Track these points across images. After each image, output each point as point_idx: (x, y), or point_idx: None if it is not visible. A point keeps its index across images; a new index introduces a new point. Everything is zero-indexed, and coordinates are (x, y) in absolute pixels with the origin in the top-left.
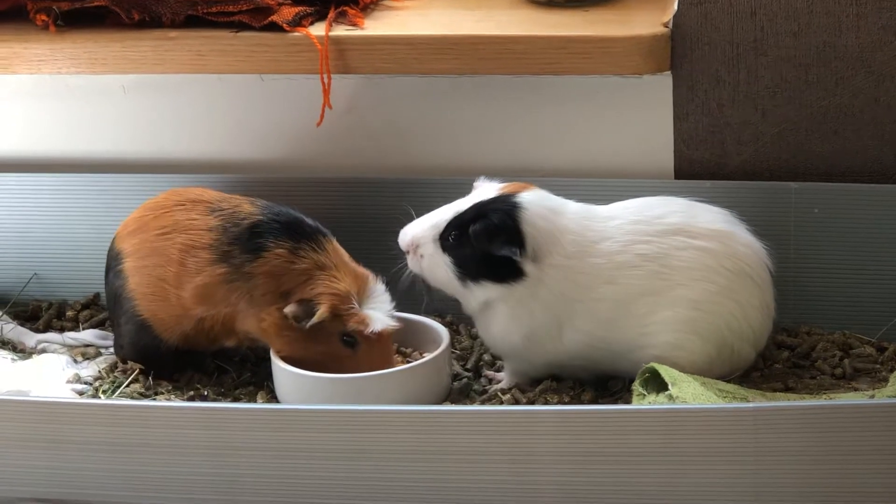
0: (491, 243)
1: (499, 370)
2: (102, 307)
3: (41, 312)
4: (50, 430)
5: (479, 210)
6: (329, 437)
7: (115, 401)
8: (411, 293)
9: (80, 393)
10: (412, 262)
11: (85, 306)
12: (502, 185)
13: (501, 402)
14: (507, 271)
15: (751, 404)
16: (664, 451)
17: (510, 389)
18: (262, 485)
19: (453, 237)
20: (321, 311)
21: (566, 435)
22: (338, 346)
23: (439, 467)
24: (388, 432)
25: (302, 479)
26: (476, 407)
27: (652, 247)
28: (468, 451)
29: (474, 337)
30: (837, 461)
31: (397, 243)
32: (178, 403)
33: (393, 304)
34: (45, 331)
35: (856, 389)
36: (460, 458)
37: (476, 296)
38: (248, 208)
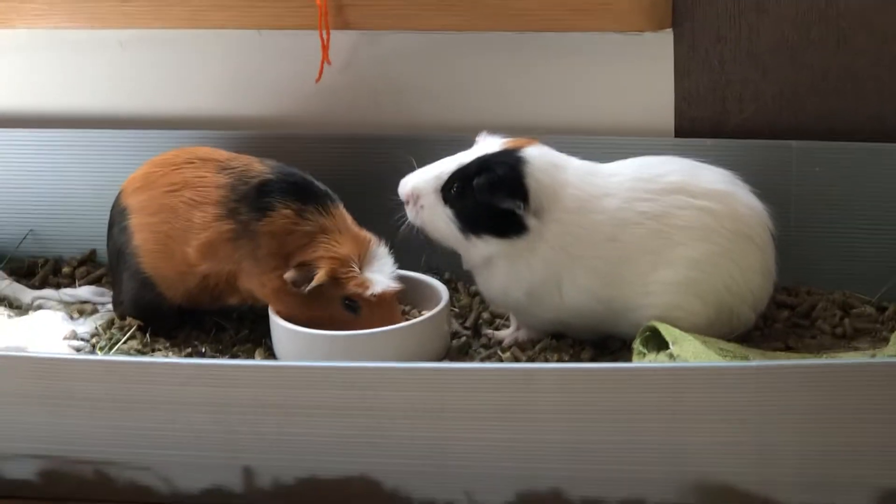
0: (494, 196)
1: (498, 328)
2: (99, 264)
3: (37, 269)
4: (48, 385)
5: (484, 163)
6: (328, 393)
7: (114, 357)
8: (410, 249)
9: (78, 349)
10: (411, 213)
11: (81, 263)
12: (506, 139)
13: (501, 362)
14: (509, 225)
15: (753, 363)
16: (665, 409)
17: (510, 347)
18: (262, 441)
19: (456, 189)
20: (319, 275)
21: (565, 393)
22: (340, 310)
23: (438, 425)
24: (386, 389)
25: (301, 436)
26: (474, 364)
27: (653, 205)
28: (466, 408)
29: (473, 295)
30: (839, 420)
31: (397, 194)
32: (176, 360)
33: (395, 267)
34: (41, 287)
35: (856, 349)
36: (459, 415)
37: (478, 250)
38: (259, 167)
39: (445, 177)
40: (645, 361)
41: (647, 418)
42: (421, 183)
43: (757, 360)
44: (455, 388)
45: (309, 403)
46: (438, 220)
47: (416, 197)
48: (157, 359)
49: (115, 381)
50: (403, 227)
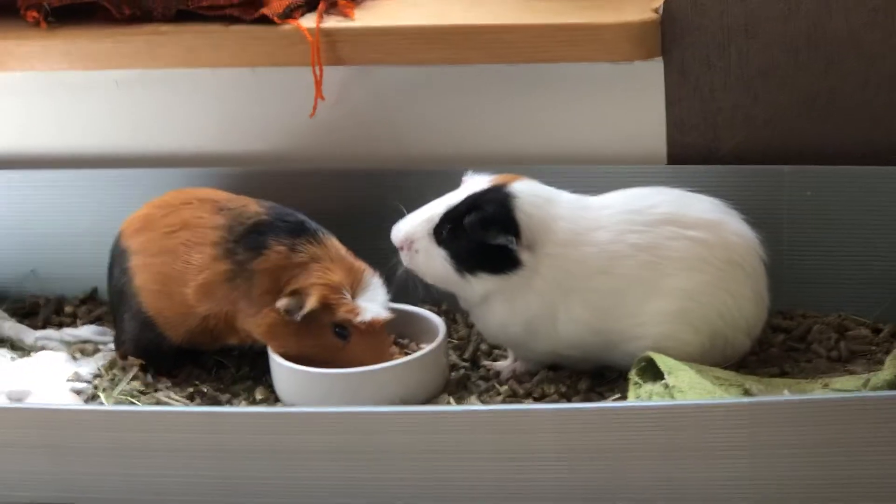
0: (486, 233)
1: (496, 360)
2: (100, 302)
3: (39, 308)
4: (49, 435)
5: (473, 201)
6: (328, 438)
7: (115, 407)
8: (407, 285)
9: (80, 392)
10: (406, 259)
11: (83, 301)
12: (492, 176)
13: (499, 394)
14: (503, 261)
15: (746, 399)
16: (659, 446)
17: (508, 380)
18: (262, 486)
19: (448, 230)
20: (311, 301)
21: (560, 433)
22: (331, 337)
23: (436, 466)
24: (384, 433)
25: (302, 480)
26: (471, 407)
27: (644, 237)
28: (464, 450)
29: (471, 326)
30: (831, 453)
31: (390, 227)
32: (177, 409)
33: (388, 297)
34: (43, 327)
35: (851, 373)
36: (456, 456)
37: (474, 288)
38: (255, 208)
39: (437, 219)
40: (641, 392)
41: (643, 455)
42: (413, 228)
43: (752, 386)
44: (452, 431)
45: (306, 448)
46: (434, 263)
47: (409, 242)
48: (159, 408)
49: (117, 430)
50: (399, 271)
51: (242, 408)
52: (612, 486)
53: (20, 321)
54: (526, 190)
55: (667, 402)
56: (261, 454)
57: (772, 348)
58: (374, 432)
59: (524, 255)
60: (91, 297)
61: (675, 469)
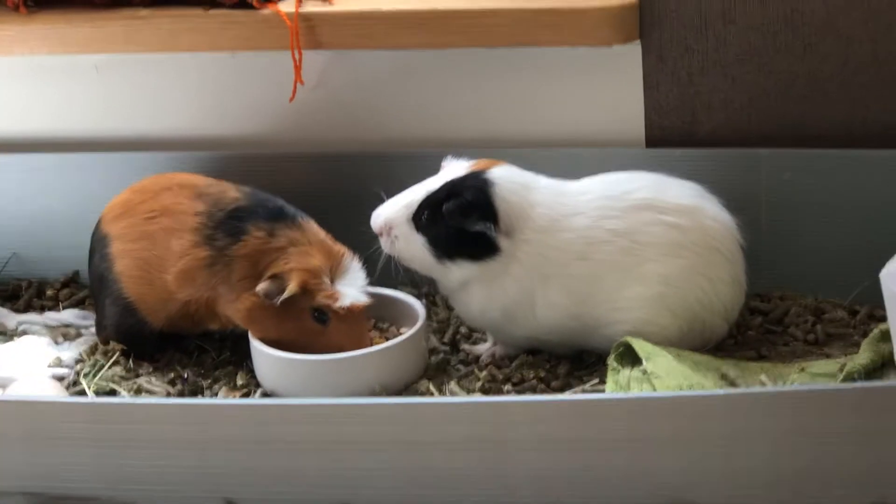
0: (465, 220)
1: (475, 343)
2: (82, 285)
3: (21, 291)
4: (31, 427)
5: (451, 188)
6: (307, 429)
7: (97, 400)
8: (387, 269)
9: (62, 378)
10: (386, 244)
11: (64, 284)
12: (471, 162)
13: (478, 380)
14: (481, 247)
15: (720, 391)
16: (635, 436)
17: (487, 365)
18: (242, 474)
19: (426, 216)
20: (291, 286)
21: (536, 423)
22: (310, 322)
23: (412, 456)
24: (363, 424)
25: (281, 468)
26: (448, 399)
27: (621, 222)
28: (441, 441)
29: (451, 309)
30: (806, 444)
31: (370, 210)
32: (159, 400)
33: (367, 281)
34: (25, 310)
35: (828, 356)
36: (434, 447)
37: (453, 274)
38: (234, 194)
39: (415, 205)
40: (619, 377)
41: (618, 445)
42: (392, 214)
43: (727, 379)
44: (429, 422)
45: (286, 438)
46: (413, 249)
47: (388, 228)
48: (138, 399)
49: (96, 422)
50: (381, 259)
51: (221, 400)
52: (586, 475)
53: (2, 304)
54: (504, 176)
55: (639, 394)
56: (238, 444)
57: (749, 331)
58: (352, 424)
59: (502, 242)
60: (72, 280)
61: (650, 459)
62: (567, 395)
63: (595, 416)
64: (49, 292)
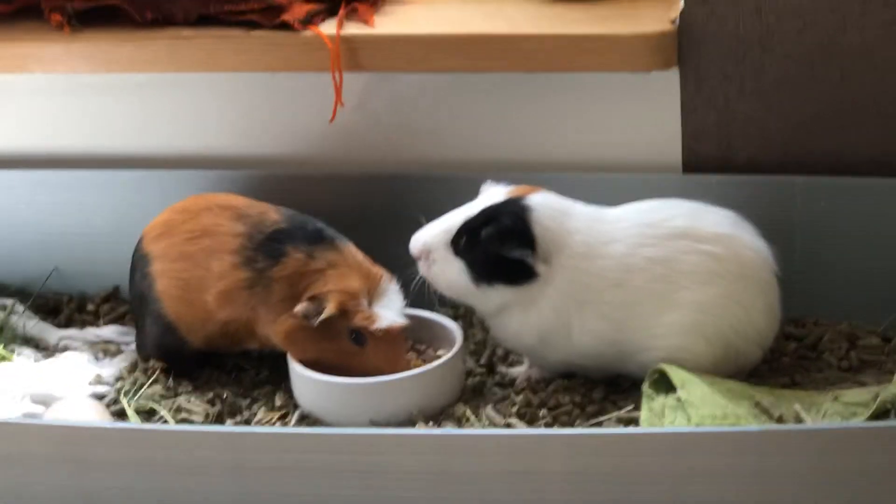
0: (503, 246)
1: (512, 365)
2: (122, 300)
3: (62, 306)
4: (68, 450)
5: (490, 214)
6: (344, 457)
7: (137, 425)
8: (424, 291)
9: (102, 397)
10: (424, 269)
11: (105, 299)
12: (510, 187)
13: (514, 404)
14: (519, 273)
15: (755, 427)
16: (669, 471)
17: (523, 390)
18: (277, 501)
19: (465, 241)
20: (329, 307)
21: (572, 457)
22: (347, 343)
23: (445, 487)
24: (398, 454)
25: (320, 498)
26: (483, 431)
27: (658, 250)
28: (476, 472)
29: (488, 330)
30: (839, 481)
31: (409, 246)
32: (197, 427)
33: (405, 303)
34: (66, 325)
35: (862, 384)
36: (469, 477)
37: (490, 299)
38: (274, 216)
39: (454, 230)
40: (654, 405)
41: (652, 479)
42: (431, 238)
43: (761, 408)
44: (461, 453)
45: (322, 466)
46: (451, 273)
47: (427, 252)
48: (179, 427)
49: (131, 447)
50: (415, 281)
51: (260, 428)
52: None
53: (43, 319)
54: (542, 203)
55: (675, 429)
56: (273, 471)
57: (784, 357)
58: (388, 454)
59: (540, 268)
60: (113, 296)
61: (685, 493)
62: (602, 430)
63: (630, 450)
64: (90, 307)
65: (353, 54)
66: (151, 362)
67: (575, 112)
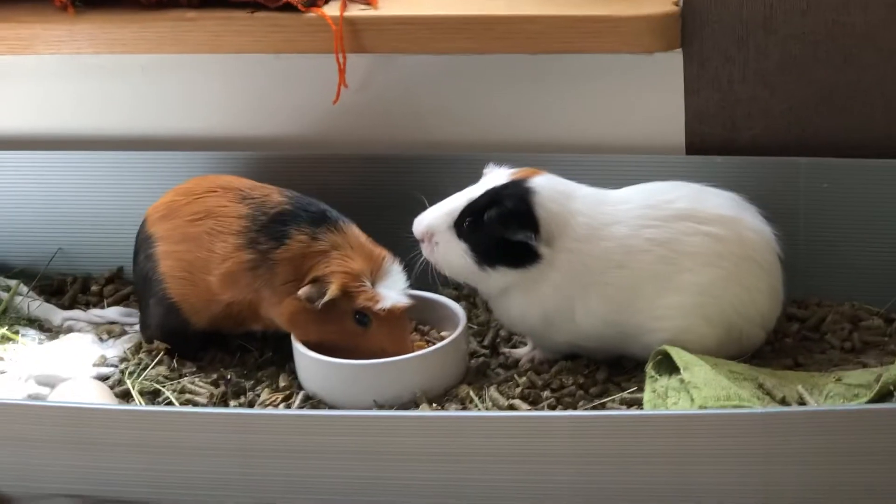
0: (506, 228)
1: (515, 346)
2: (126, 281)
3: (66, 286)
4: (77, 432)
5: (493, 196)
6: (346, 439)
7: (142, 407)
8: (425, 272)
9: (106, 378)
10: (427, 251)
11: (109, 280)
12: (513, 170)
13: (518, 385)
14: (522, 255)
15: (760, 409)
16: (673, 452)
17: (527, 371)
18: (285, 483)
19: (468, 224)
20: (332, 289)
21: (577, 438)
22: (351, 324)
23: (453, 468)
24: (404, 435)
25: (322, 478)
26: (488, 413)
27: (661, 231)
28: (481, 453)
29: (490, 311)
30: (842, 462)
31: (412, 230)
32: (202, 410)
33: (408, 283)
34: (70, 306)
35: (864, 365)
36: (474, 459)
37: (494, 281)
38: (277, 198)
39: (457, 213)
40: (657, 386)
41: (657, 461)
42: (434, 220)
43: (763, 389)
44: (469, 434)
45: (327, 448)
46: (454, 255)
47: (430, 234)
48: (186, 409)
49: (141, 429)
50: (419, 264)
51: (266, 410)
52: (625, 490)
53: (47, 300)
54: (545, 185)
55: (680, 411)
56: (281, 453)
57: (786, 338)
58: (393, 434)
59: (543, 250)
60: (117, 276)
61: (688, 474)
62: (606, 412)
63: (635, 432)
64: (94, 288)
65: (356, 36)
66: (155, 343)
67: (578, 94)
